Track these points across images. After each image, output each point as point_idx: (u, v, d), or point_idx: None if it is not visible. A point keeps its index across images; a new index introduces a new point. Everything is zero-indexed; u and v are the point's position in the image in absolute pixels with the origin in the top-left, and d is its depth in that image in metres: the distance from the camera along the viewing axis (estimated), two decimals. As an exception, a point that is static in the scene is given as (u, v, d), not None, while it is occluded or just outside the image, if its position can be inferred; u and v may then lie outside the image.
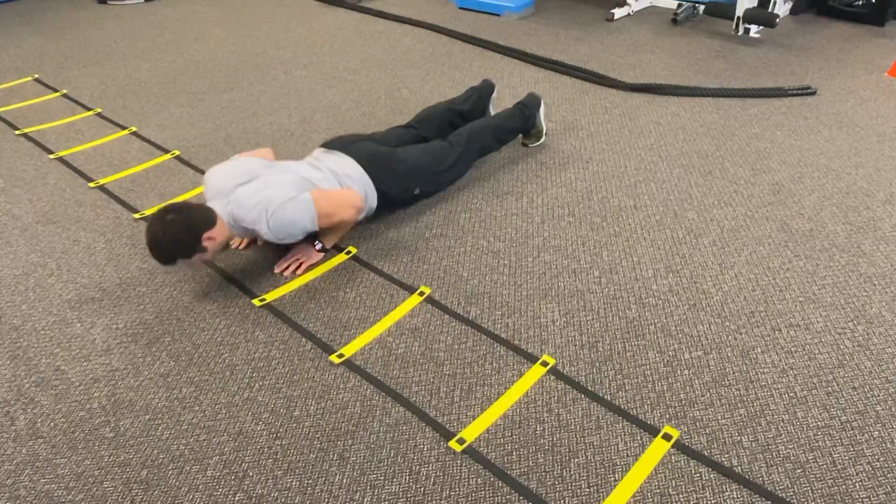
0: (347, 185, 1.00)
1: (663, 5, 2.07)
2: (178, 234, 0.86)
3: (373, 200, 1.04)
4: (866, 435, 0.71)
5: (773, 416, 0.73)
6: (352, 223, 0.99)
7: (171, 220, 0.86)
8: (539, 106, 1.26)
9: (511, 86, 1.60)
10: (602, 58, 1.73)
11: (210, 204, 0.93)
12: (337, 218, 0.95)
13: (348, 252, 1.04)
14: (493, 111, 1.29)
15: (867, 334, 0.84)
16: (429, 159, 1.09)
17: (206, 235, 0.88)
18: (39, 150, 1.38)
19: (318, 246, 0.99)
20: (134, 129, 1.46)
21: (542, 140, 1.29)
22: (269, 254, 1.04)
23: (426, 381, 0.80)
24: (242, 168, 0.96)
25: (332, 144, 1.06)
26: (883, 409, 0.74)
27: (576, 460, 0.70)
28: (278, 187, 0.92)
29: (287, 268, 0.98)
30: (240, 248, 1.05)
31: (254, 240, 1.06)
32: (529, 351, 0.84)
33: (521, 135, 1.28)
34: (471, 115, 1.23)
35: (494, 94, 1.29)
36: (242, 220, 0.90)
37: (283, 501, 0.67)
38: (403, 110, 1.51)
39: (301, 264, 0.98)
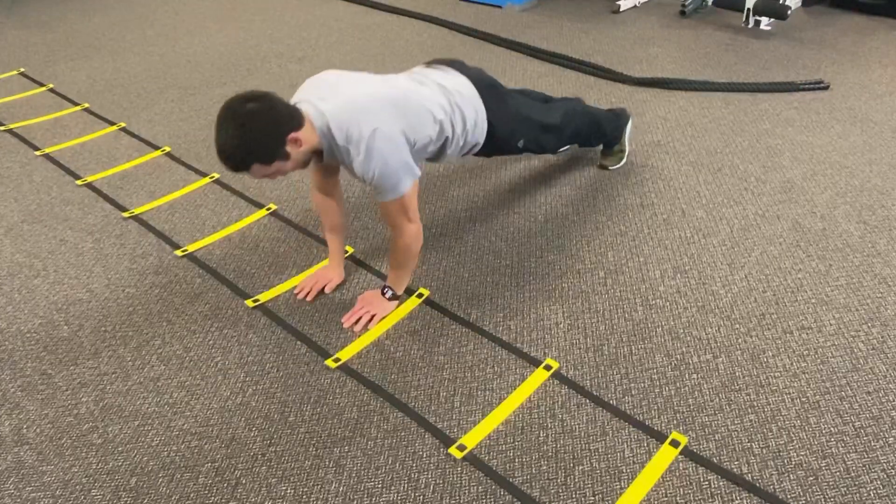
0: (457, 104, 0.83)
1: (669, -4, 2.04)
2: (261, 129, 0.68)
3: (481, 132, 0.87)
4: (881, 441, 0.69)
5: (784, 421, 0.72)
6: (415, 257, 0.84)
7: (253, 111, 0.68)
8: (629, 120, 1.15)
9: (514, 80, 1.57)
10: (608, 51, 1.70)
11: (303, 105, 0.75)
12: (405, 231, 0.79)
13: (344, 252, 1.01)
14: None
15: (882, 337, 0.82)
16: (534, 110, 0.96)
17: (291, 136, 0.70)
18: (25, 146, 1.35)
19: (389, 293, 0.85)
20: (123, 124, 1.43)
21: (622, 162, 1.16)
22: (264, 254, 1.01)
23: (425, 385, 0.78)
24: (349, 72, 0.79)
25: (437, 62, 0.90)
26: (899, 416, 0.72)
27: (580, 467, 0.68)
28: (398, 113, 0.74)
29: (357, 322, 0.84)
30: (307, 297, 0.88)
31: (322, 289, 0.90)
32: (532, 354, 0.81)
33: (600, 154, 1.15)
34: None
35: None
36: (339, 127, 0.72)
37: (277, 512, 0.65)
38: (402, 104, 1.48)
39: (372, 317, 0.84)
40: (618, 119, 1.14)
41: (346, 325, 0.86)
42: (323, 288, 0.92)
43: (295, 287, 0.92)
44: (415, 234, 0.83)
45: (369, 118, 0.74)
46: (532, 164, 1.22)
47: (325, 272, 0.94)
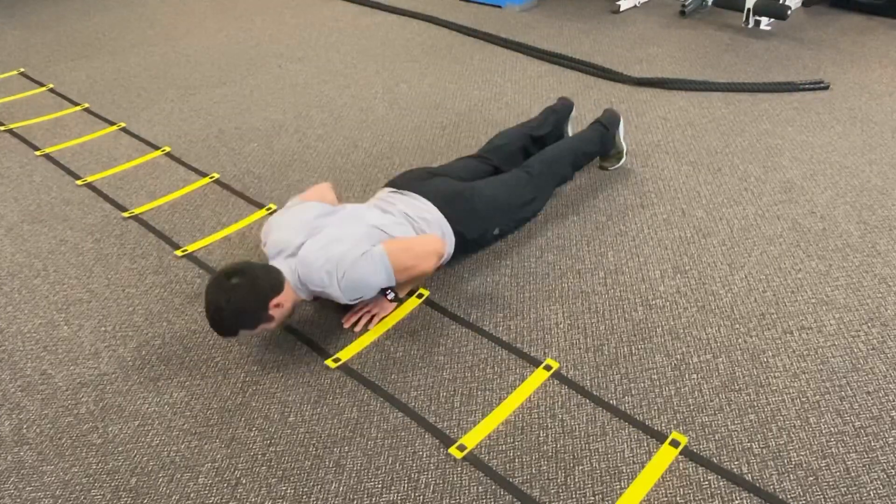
0: (422, 231, 0.87)
1: (669, -4, 2.04)
2: (244, 302, 0.75)
3: (451, 245, 0.90)
4: (881, 441, 0.69)
5: (784, 421, 0.72)
6: (431, 272, 0.86)
7: (236, 286, 0.75)
8: (618, 123, 1.14)
9: (513, 80, 1.56)
10: (608, 51, 1.70)
11: (274, 263, 0.81)
12: (417, 270, 0.83)
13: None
14: (570, 131, 1.17)
15: (882, 337, 0.82)
16: (507, 193, 0.96)
17: (273, 302, 0.77)
18: (25, 146, 1.36)
19: (391, 296, 0.84)
20: (123, 124, 1.43)
21: (622, 161, 1.15)
22: (264, 255, 1.00)
23: (425, 385, 0.78)
24: (303, 218, 0.84)
25: (401, 183, 0.94)
26: (899, 416, 0.72)
27: (580, 467, 0.68)
28: (347, 242, 0.80)
29: (357, 322, 0.85)
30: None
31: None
32: (532, 354, 0.81)
33: (599, 157, 1.16)
34: (547, 141, 1.11)
35: (573, 114, 1.17)
36: (311, 283, 0.79)
37: (277, 512, 0.65)
38: (403, 106, 1.48)
39: (373, 317, 0.86)
40: (605, 131, 1.13)
41: (346, 325, 0.86)
42: None
43: None
44: (433, 262, 0.84)
45: (333, 259, 0.79)
46: (532, 164, 1.22)
47: None
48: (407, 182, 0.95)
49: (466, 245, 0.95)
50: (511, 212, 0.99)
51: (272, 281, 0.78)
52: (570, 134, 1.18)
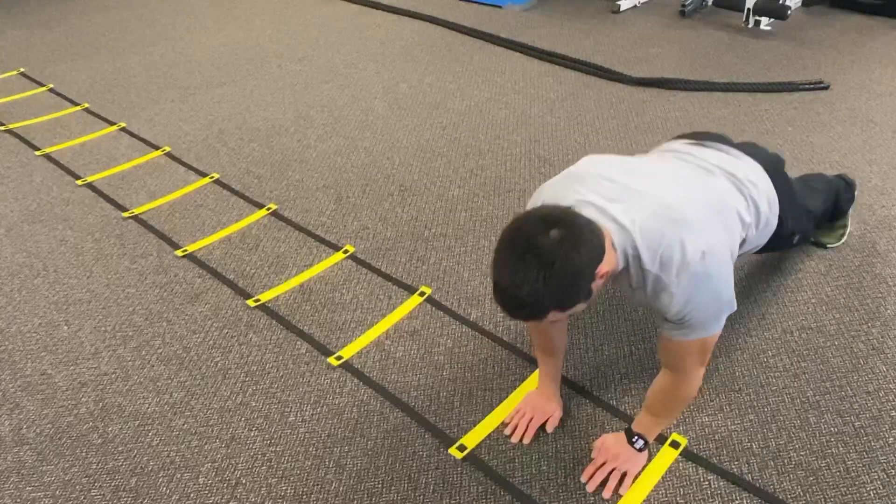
0: (752, 199, 0.61)
1: (669, -4, 2.05)
2: (573, 269, 0.47)
3: (769, 232, 0.66)
4: (881, 441, 0.69)
5: (784, 421, 0.71)
6: (686, 405, 0.64)
7: (561, 244, 0.47)
8: (854, 191, 0.89)
9: (513, 80, 1.57)
10: (607, 51, 1.70)
11: (586, 210, 0.52)
12: (693, 377, 0.59)
13: (345, 251, 1.01)
14: None
15: (882, 337, 0.82)
16: (800, 191, 0.73)
17: (599, 271, 0.50)
18: (25, 146, 1.36)
19: (640, 444, 0.63)
20: (123, 124, 1.43)
21: (843, 240, 0.91)
22: (264, 254, 1.01)
23: (426, 385, 0.78)
24: (622, 161, 0.59)
25: (704, 136, 0.67)
26: (899, 416, 0.72)
27: (580, 467, 0.67)
28: (719, 231, 0.54)
29: (603, 484, 0.62)
30: (524, 440, 0.66)
31: (542, 424, 0.68)
32: (532, 354, 0.81)
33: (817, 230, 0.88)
34: None
35: None
36: (650, 246, 0.51)
37: (277, 512, 0.65)
38: (403, 106, 1.48)
39: (624, 476, 0.63)
40: (849, 189, 0.89)
41: (589, 489, 0.62)
42: (544, 424, 0.68)
43: (504, 426, 0.69)
44: (699, 381, 0.61)
45: (693, 235, 0.53)
46: (532, 165, 1.21)
47: (542, 403, 0.70)
48: (712, 136, 0.67)
49: (772, 242, 0.68)
50: (810, 218, 0.75)
51: (597, 237, 0.50)
52: None
